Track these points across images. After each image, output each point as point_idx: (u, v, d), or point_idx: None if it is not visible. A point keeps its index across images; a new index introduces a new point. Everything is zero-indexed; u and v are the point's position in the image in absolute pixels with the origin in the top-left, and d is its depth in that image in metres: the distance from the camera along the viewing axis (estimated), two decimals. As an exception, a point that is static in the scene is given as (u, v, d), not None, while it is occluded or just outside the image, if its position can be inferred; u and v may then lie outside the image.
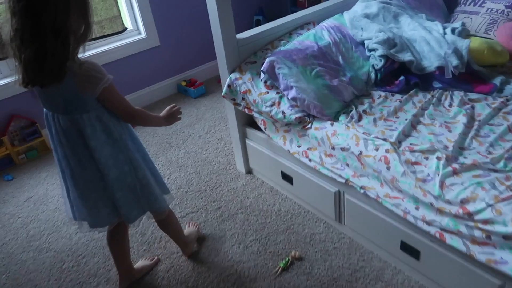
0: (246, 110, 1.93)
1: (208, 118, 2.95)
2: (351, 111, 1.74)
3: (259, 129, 2.03)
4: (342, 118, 1.71)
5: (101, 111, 1.28)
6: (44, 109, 1.30)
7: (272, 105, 1.80)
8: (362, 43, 2.01)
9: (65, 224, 2.11)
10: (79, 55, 1.19)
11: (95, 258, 1.87)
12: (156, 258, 1.82)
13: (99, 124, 1.27)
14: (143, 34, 3.12)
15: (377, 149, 1.49)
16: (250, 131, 2.10)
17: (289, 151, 1.84)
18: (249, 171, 2.31)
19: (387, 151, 1.46)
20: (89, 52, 1.38)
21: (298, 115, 1.74)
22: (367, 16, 2.09)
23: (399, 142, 1.50)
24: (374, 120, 1.67)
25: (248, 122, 2.13)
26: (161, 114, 1.51)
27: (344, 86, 1.80)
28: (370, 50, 1.95)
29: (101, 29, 2.90)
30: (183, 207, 2.11)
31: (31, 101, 2.73)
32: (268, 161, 2.05)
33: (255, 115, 1.91)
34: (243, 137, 2.17)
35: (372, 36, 1.95)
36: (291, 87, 1.73)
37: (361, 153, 1.53)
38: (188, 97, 3.33)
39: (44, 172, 2.58)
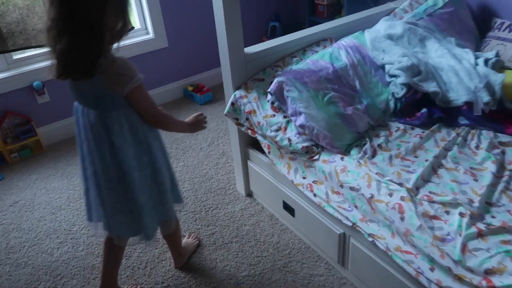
0: (249, 131, 1.76)
1: (212, 129, 2.79)
2: (364, 144, 1.56)
3: (263, 151, 1.86)
4: (354, 152, 1.53)
5: (130, 110, 1.24)
6: (75, 102, 1.27)
7: (277, 130, 1.63)
8: (382, 67, 1.82)
9: (48, 237, 1.97)
10: (112, 51, 1.15)
11: (73, 280, 1.73)
12: (139, 287, 1.67)
13: (127, 123, 1.23)
14: (151, 34, 2.96)
15: (391, 195, 1.32)
16: (253, 153, 1.93)
17: (292, 182, 1.67)
18: (249, 194, 2.14)
19: (402, 198, 1.29)
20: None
21: (305, 144, 1.57)
22: (390, 37, 1.89)
23: (416, 188, 1.32)
24: (390, 157, 1.49)
25: (251, 142, 1.96)
26: (187, 120, 1.47)
27: (358, 116, 1.62)
28: (391, 76, 1.76)
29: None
30: (174, 228, 1.95)
31: (28, 98, 2.59)
32: (270, 187, 1.88)
33: (259, 138, 1.74)
34: (245, 158, 2.00)
35: (394, 60, 1.77)
36: (300, 113, 1.56)
37: (372, 196, 1.35)
38: (193, 103, 3.17)
39: (35, 175, 2.44)
